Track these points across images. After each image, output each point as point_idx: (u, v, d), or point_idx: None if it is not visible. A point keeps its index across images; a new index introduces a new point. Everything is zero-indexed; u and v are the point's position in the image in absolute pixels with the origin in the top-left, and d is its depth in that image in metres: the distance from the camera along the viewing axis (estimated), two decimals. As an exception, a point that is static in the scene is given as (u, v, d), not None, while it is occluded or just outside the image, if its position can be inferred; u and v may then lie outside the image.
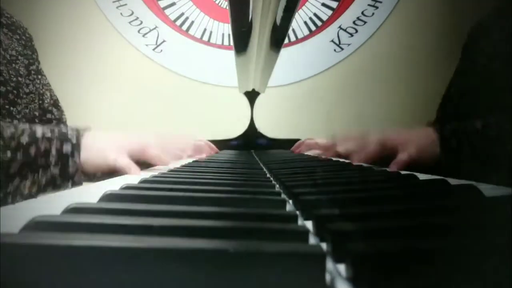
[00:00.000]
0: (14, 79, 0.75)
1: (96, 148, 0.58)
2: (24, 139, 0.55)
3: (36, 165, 0.55)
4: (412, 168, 0.58)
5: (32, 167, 0.55)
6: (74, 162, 0.57)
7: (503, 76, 0.68)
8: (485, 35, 0.78)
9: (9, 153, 0.53)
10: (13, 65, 0.77)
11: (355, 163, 0.64)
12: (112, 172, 0.59)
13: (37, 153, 0.55)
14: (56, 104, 0.91)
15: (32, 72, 0.85)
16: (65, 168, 0.57)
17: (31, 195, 0.56)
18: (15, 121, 0.74)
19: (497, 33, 0.75)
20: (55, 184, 0.57)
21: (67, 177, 0.57)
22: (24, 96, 0.77)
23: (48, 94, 0.89)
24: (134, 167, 0.57)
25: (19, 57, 0.80)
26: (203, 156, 0.93)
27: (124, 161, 0.57)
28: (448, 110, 0.85)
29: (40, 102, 0.86)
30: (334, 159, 0.79)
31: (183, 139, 0.90)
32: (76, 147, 0.57)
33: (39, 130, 0.57)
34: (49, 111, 0.88)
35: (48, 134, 0.56)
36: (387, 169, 0.55)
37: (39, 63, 0.91)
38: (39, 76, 0.88)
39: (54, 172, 0.56)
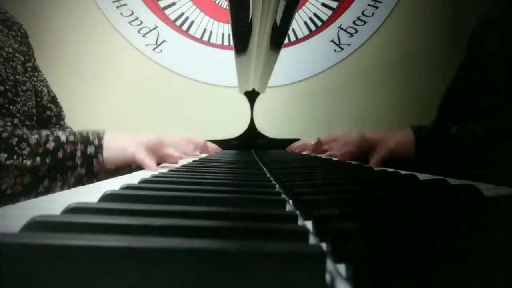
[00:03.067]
0: (12, 77, 0.75)
1: (116, 146, 0.64)
2: (50, 145, 0.60)
3: (65, 167, 0.61)
4: (389, 164, 0.64)
5: (61, 169, 0.61)
6: (98, 162, 0.63)
7: (506, 74, 0.68)
8: (489, 30, 0.79)
9: (38, 159, 0.59)
10: (10, 63, 0.77)
11: (340, 160, 0.72)
12: (130, 165, 0.66)
13: (64, 156, 0.61)
14: (54, 100, 0.92)
15: (29, 69, 0.85)
16: (90, 168, 0.63)
17: None
18: (16, 120, 0.73)
19: (501, 30, 0.75)
20: (82, 183, 0.63)
21: (93, 176, 0.63)
22: (22, 94, 0.77)
23: (46, 90, 0.89)
24: (150, 162, 0.63)
25: (16, 54, 0.80)
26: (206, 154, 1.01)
27: (141, 155, 0.63)
28: (449, 108, 0.87)
29: (39, 99, 0.86)
30: (334, 159, 0.79)
31: (194, 138, 0.99)
32: (99, 148, 0.63)
33: (62, 135, 0.62)
34: (48, 108, 0.89)
35: (72, 138, 0.62)
36: (387, 169, 0.55)
37: (35, 59, 0.90)
38: (36, 73, 0.87)
39: (81, 172, 0.63)
